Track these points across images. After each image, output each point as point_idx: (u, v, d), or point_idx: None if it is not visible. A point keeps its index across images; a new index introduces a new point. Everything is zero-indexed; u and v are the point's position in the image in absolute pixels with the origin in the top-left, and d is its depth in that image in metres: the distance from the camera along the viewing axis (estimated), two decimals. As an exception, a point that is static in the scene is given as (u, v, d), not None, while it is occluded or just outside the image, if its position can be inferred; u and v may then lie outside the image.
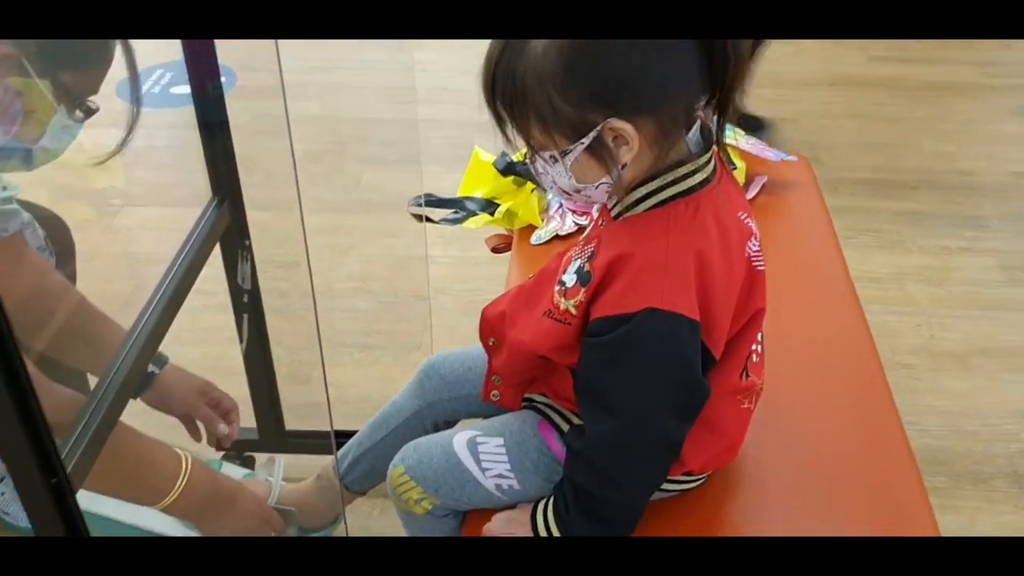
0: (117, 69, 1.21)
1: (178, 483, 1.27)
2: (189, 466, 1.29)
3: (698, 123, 1.06)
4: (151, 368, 1.45)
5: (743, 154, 1.93)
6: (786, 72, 3.64)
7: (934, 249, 2.67)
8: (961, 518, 1.91)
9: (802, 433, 1.35)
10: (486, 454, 1.24)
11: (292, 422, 1.93)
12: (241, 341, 1.69)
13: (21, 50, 1.05)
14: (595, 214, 1.17)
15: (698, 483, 1.26)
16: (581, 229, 1.74)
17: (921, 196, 2.91)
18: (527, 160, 1.10)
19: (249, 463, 1.80)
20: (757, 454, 1.30)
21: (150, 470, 1.28)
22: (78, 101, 1.14)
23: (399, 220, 2.71)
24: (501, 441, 1.25)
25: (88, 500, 1.06)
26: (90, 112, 1.15)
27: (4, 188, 1.19)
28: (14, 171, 1.15)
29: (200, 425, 1.55)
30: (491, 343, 1.26)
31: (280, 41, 1.01)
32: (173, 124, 3.18)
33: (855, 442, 1.35)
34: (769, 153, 1.95)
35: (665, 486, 1.22)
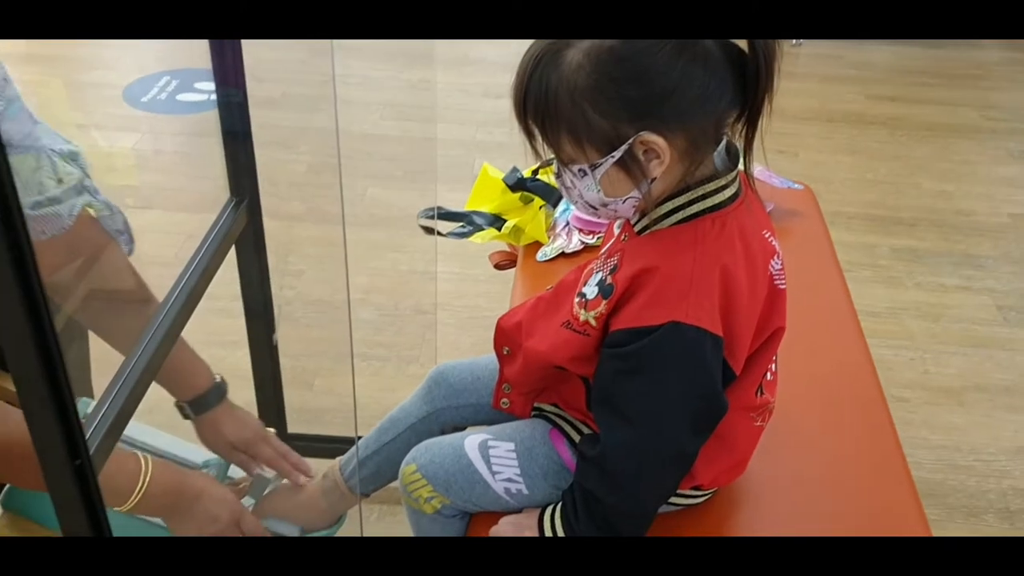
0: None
1: (139, 485, 1.26)
2: (149, 468, 1.28)
3: (724, 140, 1.07)
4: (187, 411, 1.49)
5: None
6: (785, 106, 3.67)
7: (931, 286, 2.70)
8: (952, 550, 1.92)
9: (805, 455, 1.37)
10: (497, 458, 1.25)
11: (294, 427, 1.94)
12: (274, 331, 1.72)
13: None
14: (616, 230, 1.18)
15: (704, 499, 1.27)
16: (587, 247, 1.76)
17: (919, 233, 2.94)
18: (555, 174, 1.10)
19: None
20: (761, 474, 1.31)
21: (106, 475, 1.29)
22: None
23: (403, 235, 2.73)
24: (512, 446, 1.26)
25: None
26: None
27: (60, 181, 1.19)
28: None
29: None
30: (505, 352, 1.27)
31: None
32: (179, 131, 3.19)
33: (857, 466, 1.36)
34: (776, 180, 1.98)
35: (673, 499, 1.23)
